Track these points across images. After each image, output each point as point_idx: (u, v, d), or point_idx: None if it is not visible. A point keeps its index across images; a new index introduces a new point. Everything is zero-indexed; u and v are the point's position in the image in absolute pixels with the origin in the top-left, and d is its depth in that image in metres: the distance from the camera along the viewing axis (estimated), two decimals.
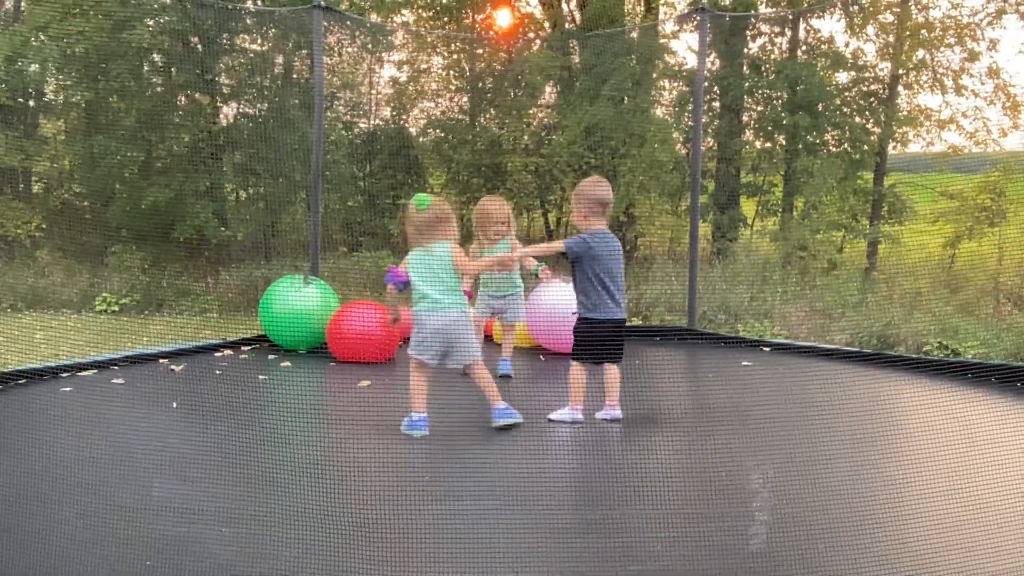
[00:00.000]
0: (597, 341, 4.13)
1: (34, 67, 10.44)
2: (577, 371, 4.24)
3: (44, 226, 10.57)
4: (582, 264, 4.13)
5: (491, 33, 11.81)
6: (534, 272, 4.89)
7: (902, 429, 4.44)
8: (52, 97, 11.38)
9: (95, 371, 5.13)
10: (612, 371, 4.30)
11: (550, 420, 4.25)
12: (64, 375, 4.99)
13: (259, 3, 10.64)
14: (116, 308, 9.47)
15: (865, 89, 10.64)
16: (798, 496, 3.26)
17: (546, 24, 12.10)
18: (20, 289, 9.76)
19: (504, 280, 5.18)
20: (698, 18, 6.88)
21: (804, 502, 3.19)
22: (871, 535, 2.85)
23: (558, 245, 4.27)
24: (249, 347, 6.04)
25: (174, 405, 4.42)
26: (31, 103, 11.26)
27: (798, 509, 3.12)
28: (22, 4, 11.34)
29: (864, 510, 3.09)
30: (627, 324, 4.42)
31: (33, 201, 11.05)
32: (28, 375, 4.92)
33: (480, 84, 11.82)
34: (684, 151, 10.81)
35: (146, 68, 10.79)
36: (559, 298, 5.87)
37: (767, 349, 6.44)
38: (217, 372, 5.30)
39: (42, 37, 9.83)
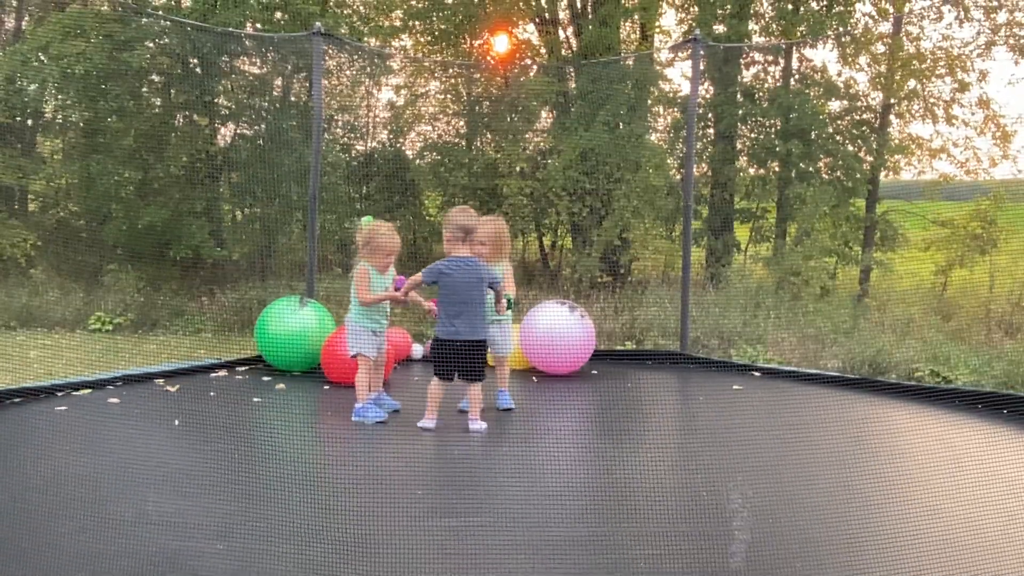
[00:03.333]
0: (450, 360, 4.43)
1: (33, 87, 10.52)
2: (435, 385, 4.53)
3: (39, 244, 10.58)
4: (440, 289, 4.47)
5: (488, 59, 11.95)
6: (507, 297, 4.95)
7: (888, 452, 4.48)
8: (51, 116, 11.44)
9: (90, 390, 5.13)
10: (473, 389, 4.56)
11: (418, 426, 4.50)
12: (59, 394, 5.00)
13: (258, 27, 10.75)
14: (110, 327, 9.46)
15: (857, 118, 10.78)
16: (781, 516, 3.30)
17: (543, 50, 12.25)
18: (14, 307, 9.76)
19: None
20: (692, 48, 6.99)
21: (786, 522, 3.23)
22: (852, 554, 2.88)
23: (418, 277, 4.58)
24: (244, 368, 6.05)
25: (176, 423, 4.45)
26: (29, 122, 11.32)
27: (780, 528, 3.16)
28: (23, 24, 11.45)
29: (847, 531, 3.12)
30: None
31: (29, 219, 11.06)
32: (23, 394, 4.92)
33: (477, 108, 11.93)
34: (678, 176, 10.91)
35: (145, 89, 10.88)
36: (554, 320, 5.93)
37: (758, 374, 6.47)
38: (212, 393, 5.31)
39: (42, 57, 9.91)
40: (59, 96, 10.81)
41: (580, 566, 2.81)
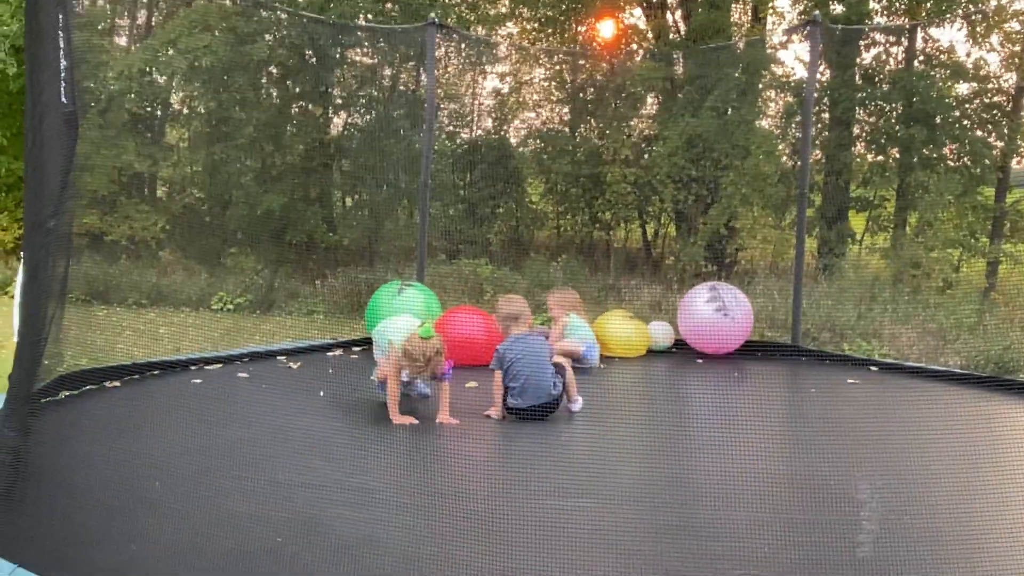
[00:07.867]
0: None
1: (163, 79, 11.18)
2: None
3: (167, 228, 11.24)
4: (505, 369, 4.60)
5: (594, 44, 11.88)
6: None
7: (1016, 453, 4.26)
8: (178, 107, 12.12)
9: (221, 365, 5.46)
10: (568, 374, 4.75)
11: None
12: (192, 368, 5.34)
13: (369, 18, 11.04)
14: (231, 307, 9.98)
15: (988, 101, 10.16)
16: (903, 510, 3.23)
17: (649, 35, 12.08)
18: (145, 287, 10.42)
19: None
20: (810, 31, 6.76)
21: (910, 517, 3.16)
22: (977, 554, 2.79)
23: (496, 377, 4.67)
24: (359, 348, 6.29)
25: (321, 393, 4.75)
26: (159, 112, 12.02)
27: (904, 523, 3.10)
28: (153, 20, 12.15)
29: (972, 531, 3.02)
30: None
31: (157, 205, 11.77)
32: (160, 367, 5.29)
33: (581, 95, 11.90)
34: (790, 163, 10.58)
35: (264, 80, 11.37)
36: (707, 304, 6.30)
37: (875, 368, 6.24)
38: (330, 371, 5.55)
39: (170, 51, 10.50)
40: (186, 88, 11.44)
41: (696, 551, 2.83)
